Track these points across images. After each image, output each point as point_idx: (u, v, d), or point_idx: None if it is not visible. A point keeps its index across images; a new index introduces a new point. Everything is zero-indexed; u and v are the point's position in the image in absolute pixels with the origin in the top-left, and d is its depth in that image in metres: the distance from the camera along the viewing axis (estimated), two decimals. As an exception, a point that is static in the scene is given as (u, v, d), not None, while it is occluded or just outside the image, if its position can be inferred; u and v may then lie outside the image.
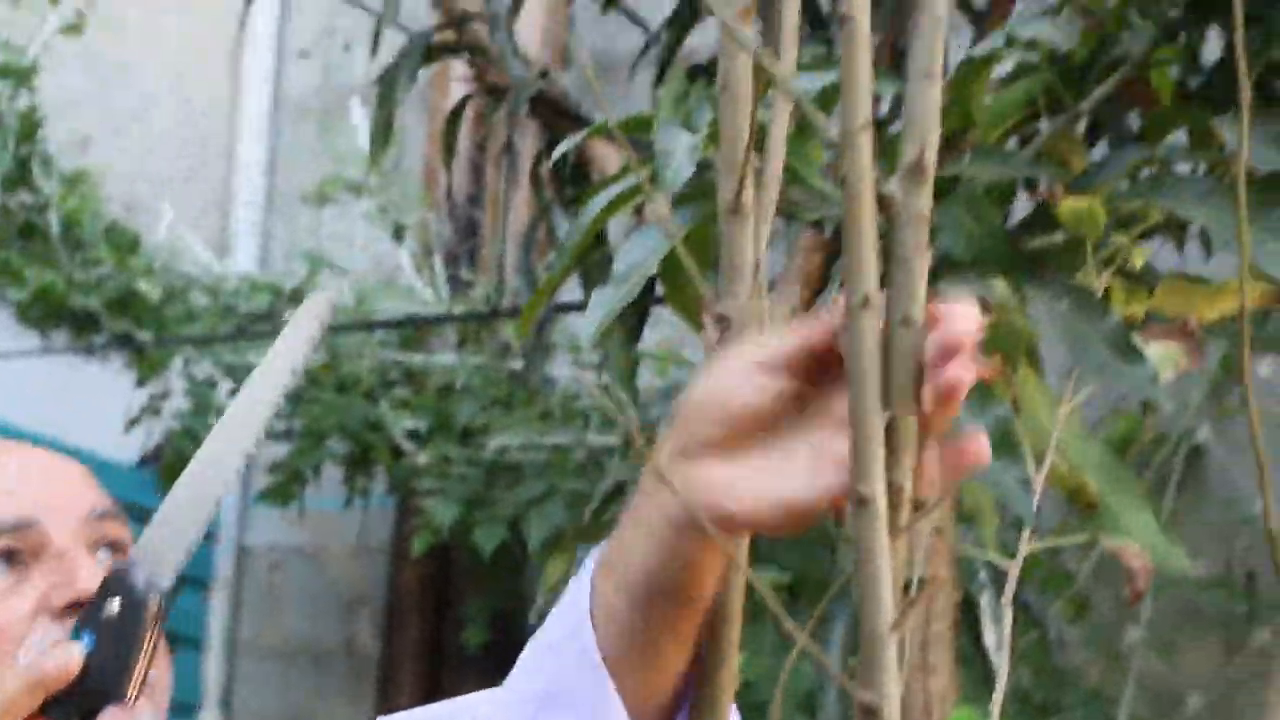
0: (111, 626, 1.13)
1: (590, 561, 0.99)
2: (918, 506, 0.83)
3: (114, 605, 1.14)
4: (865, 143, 0.80)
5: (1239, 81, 0.99)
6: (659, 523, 0.92)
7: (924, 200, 0.80)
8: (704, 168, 1.69)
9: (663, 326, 3.39)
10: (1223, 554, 3.61)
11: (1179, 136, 1.70)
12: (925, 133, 0.81)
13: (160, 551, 1.17)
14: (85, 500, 1.28)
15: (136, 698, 1.15)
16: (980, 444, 0.85)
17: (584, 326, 1.57)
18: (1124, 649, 3.63)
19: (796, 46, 0.95)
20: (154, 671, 1.19)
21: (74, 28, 4.41)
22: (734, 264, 0.95)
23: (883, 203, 0.81)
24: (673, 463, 0.90)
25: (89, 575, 1.20)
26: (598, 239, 2.30)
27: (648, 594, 0.94)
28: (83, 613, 1.17)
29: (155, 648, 1.15)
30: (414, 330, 4.24)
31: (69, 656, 1.13)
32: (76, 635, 1.16)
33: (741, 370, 0.89)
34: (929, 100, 0.81)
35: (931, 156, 0.80)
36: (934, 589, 2.41)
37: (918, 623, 2.37)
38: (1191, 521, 3.55)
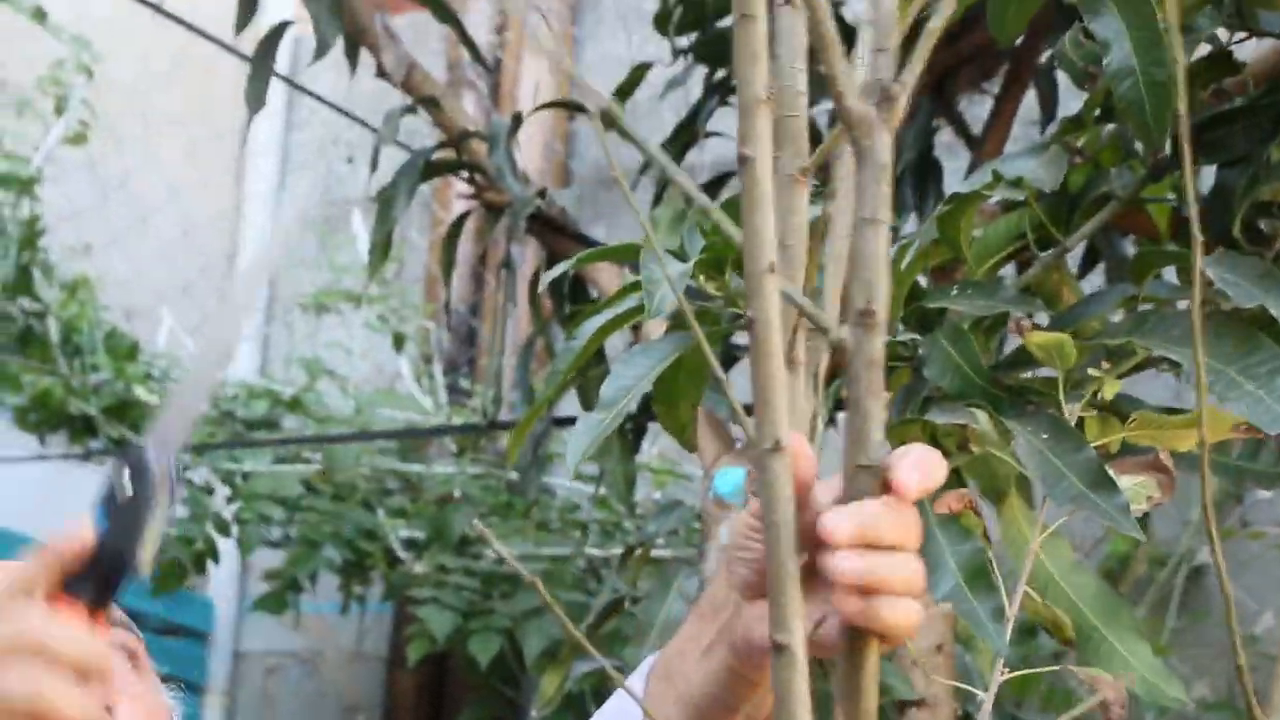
0: (123, 495, 1.13)
1: (639, 676, 1.13)
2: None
3: (124, 476, 1.14)
4: (771, 286, 0.80)
5: (1192, 228, 1.00)
6: (721, 647, 1.05)
7: (875, 345, 0.80)
8: (696, 294, 1.69)
9: (662, 439, 3.38)
10: (1225, 674, 3.57)
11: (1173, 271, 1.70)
12: (873, 279, 0.80)
13: (167, 430, 1.17)
14: None
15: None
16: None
17: (569, 453, 1.56)
18: (1126, 770, 3.58)
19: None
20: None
21: (78, 138, 4.44)
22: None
23: (836, 349, 0.81)
24: (729, 595, 1.03)
25: None
26: (598, 355, 2.29)
27: (710, 708, 1.07)
28: (96, 493, 1.17)
29: (170, 513, 1.15)
30: (412, 439, 4.23)
31: (79, 531, 1.12)
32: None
33: (747, 526, 1.00)
34: (877, 246, 0.81)
35: (881, 302, 0.79)
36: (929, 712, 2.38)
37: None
38: (1194, 641, 3.52)
